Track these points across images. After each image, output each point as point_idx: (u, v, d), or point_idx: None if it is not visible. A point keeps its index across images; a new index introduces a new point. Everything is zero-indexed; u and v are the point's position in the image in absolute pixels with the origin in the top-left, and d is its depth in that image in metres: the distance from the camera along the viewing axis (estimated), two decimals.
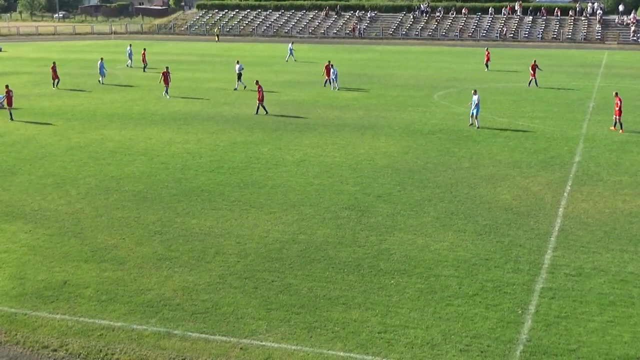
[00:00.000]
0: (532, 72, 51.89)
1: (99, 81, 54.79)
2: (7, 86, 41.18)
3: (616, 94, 36.41)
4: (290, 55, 72.10)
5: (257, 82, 41.62)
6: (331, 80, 51.13)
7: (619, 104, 35.72)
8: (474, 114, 36.94)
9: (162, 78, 47.93)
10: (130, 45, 71.07)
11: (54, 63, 54.21)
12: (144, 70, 62.62)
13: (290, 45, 74.57)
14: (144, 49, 67.15)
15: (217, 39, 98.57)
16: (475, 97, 36.73)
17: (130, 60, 67.52)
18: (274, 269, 18.88)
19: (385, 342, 15.15)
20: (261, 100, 40.51)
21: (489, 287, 17.79)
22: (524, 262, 19.36)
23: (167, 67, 49.49)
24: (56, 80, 52.52)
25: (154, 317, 16.28)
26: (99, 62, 55.48)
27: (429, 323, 15.94)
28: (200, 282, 18.13)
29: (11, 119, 39.60)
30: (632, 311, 16.51)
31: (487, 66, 62.84)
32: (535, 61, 53.14)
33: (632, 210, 23.61)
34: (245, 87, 51.02)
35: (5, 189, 26.30)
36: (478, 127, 36.59)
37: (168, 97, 47.49)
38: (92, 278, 18.38)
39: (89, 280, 18.27)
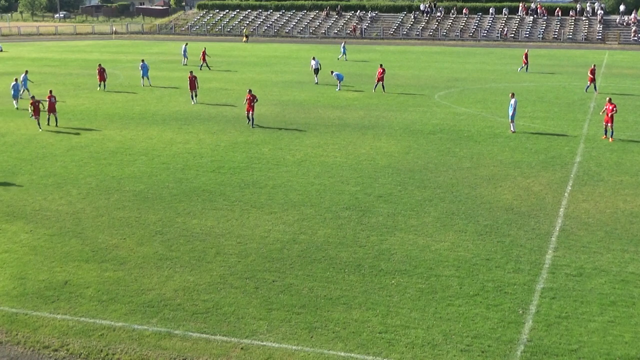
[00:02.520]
0: (590, 77, 48.69)
1: (143, 84, 52.92)
2: (50, 91, 38.85)
3: (609, 99, 34.09)
4: (344, 54, 72.32)
5: (249, 91, 37.65)
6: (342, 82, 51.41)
7: (611, 110, 33.59)
8: (510, 117, 35.49)
9: (189, 83, 44.99)
10: (186, 44, 71.30)
11: (99, 65, 52.33)
12: (202, 69, 62.90)
13: (343, 44, 74.64)
14: (205, 48, 66.84)
15: (245, 39, 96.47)
16: (512, 101, 35.30)
17: (185, 59, 67.41)
18: (274, 269, 18.89)
19: (386, 342, 15.16)
20: (250, 110, 37.08)
21: (489, 287, 17.80)
22: (525, 262, 19.36)
23: (191, 72, 46.53)
24: (102, 83, 50.83)
25: (154, 317, 16.29)
26: (141, 63, 53.18)
27: (430, 323, 15.95)
28: (201, 282, 18.14)
29: (55, 124, 37.71)
30: (633, 311, 16.51)
31: (526, 68, 60.91)
32: (594, 66, 50.25)
33: (633, 211, 23.60)
34: (317, 82, 53.29)
35: (6, 189, 26.32)
36: (513, 132, 35.47)
37: (194, 102, 44.96)
38: (93, 278, 18.40)
39: (89, 280, 18.28)
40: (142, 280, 18.24)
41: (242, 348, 14.98)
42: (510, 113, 35.52)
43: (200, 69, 62.34)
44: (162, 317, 16.28)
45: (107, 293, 17.52)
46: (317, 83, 53.34)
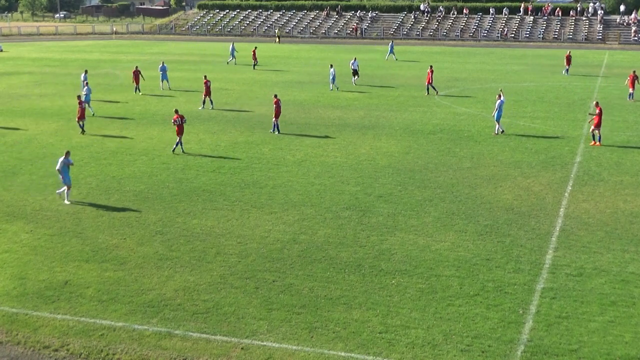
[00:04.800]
0: (630, 84, 46.15)
1: (162, 87, 50.80)
2: (78, 97, 36.55)
3: (597, 103, 33.53)
4: (391, 54, 71.78)
5: (275, 96, 36.47)
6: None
7: (598, 114, 32.75)
8: (496, 117, 34.79)
9: (205, 89, 42.91)
10: (233, 43, 71.54)
11: (136, 67, 50.06)
12: (254, 68, 63.19)
13: (390, 43, 74.13)
14: (255, 47, 66.86)
15: (277, 40, 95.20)
16: (498, 101, 34.65)
17: (233, 58, 67.87)
18: (275, 269, 18.89)
19: (386, 342, 15.17)
20: (277, 116, 35.77)
21: (490, 287, 17.80)
22: (525, 262, 19.37)
23: (205, 76, 44.52)
24: (137, 86, 48.70)
25: (155, 317, 16.29)
26: (161, 65, 51.12)
27: (430, 323, 15.95)
28: (202, 282, 18.14)
29: (82, 132, 35.75)
30: (633, 311, 16.51)
31: (567, 70, 58.63)
32: (634, 72, 47.11)
33: (633, 211, 23.60)
34: (354, 84, 52.40)
35: (7, 189, 26.33)
36: (496, 133, 35.04)
37: (203, 107, 42.74)
38: (93, 278, 18.40)
39: (90, 280, 18.29)
40: (143, 280, 18.25)
41: (242, 348, 14.98)
42: (495, 113, 34.85)
43: (254, 68, 63.11)
44: (163, 317, 16.28)
45: (107, 293, 17.53)
46: (354, 84, 52.38)
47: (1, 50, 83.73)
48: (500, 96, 35.16)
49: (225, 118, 40.05)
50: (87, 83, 42.30)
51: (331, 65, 51.89)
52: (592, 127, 33.33)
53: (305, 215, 23.20)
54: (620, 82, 54.64)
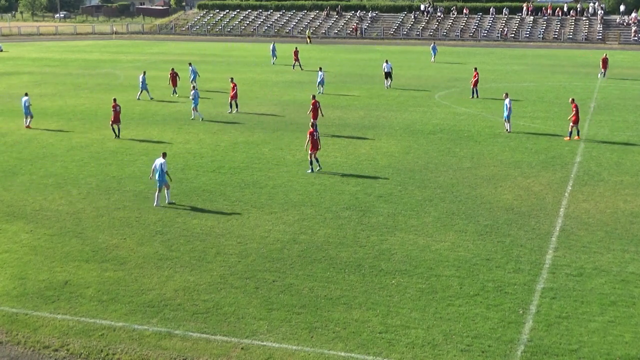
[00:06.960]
0: None
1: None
2: (114, 100, 35.33)
3: (572, 100, 34.16)
4: (435, 56, 70.60)
5: (313, 97, 36.37)
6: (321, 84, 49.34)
7: (575, 111, 33.43)
8: (506, 117, 35.28)
9: (232, 91, 41.76)
10: (274, 43, 71.54)
11: (172, 69, 49.18)
12: (293, 68, 63.01)
13: (432, 45, 72.91)
14: (296, 47, 66.43)
15: (308, 41, 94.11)
16: (506, 101, 34.98)
17: (275, 58, 68.06)
18: (275, 269, 18.90)
19: (386, 342, 15.17)
20: (315, 117, 35.52)
21: (490, 287, 17.80)
22: (525, 262, 19.37)
23: (232, 78, 43.36)
24: (175, 88, 47.77)
25: (155, 317, 16.30)
26: (190, 67, 50.85)
27: (430, 323, 15.95)
28: (202, 282, 18.15)
29: (117, 136, 34.81)
30: (633, 311, 16.52)
31: (604, 74, 56.98)
32: None
33: (633, 211, 23.60)
34: (388, 87, 51.31)
35: (7, 189, 26.33)
36: (509, 131, 35.34)
37: (231, 111, 41.72)
38: (93, 278, 18.41)
39: (90, 280, 18.29)
40: (143, 280, 18.25)
41: (242, 348, 14.99)
42: (506, 113, 35.36)
43: (293, 68, 62.91)
44: (163, 317, 16.29)
45: (107, 293, 17.53)
46: (387, 87, 51.17)
47: (1, 50, 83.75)
48: (507, 95, 35.62)
49: (225, 118, 40.04)
50: (194, 87, 40.89)
51: (320, 68, 50.02)
52: (571, 124, 33.81)
53: (305, 215, 23.21)
54: (621, 82, 54.66)
